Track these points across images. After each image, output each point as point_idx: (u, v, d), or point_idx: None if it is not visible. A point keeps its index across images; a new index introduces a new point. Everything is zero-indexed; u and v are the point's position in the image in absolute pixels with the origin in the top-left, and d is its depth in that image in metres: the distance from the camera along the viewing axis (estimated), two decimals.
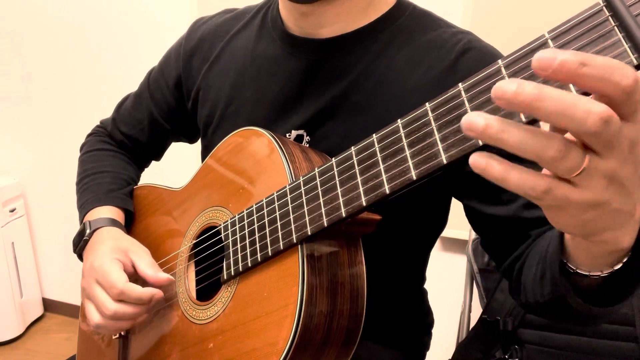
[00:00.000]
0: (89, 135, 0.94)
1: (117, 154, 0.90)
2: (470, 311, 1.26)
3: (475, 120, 0.31)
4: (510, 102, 0.29)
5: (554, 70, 0.28)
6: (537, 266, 0.53)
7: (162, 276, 0.66)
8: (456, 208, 0.71)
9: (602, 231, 0.37)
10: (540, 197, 0.32)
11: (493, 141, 0.31)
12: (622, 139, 0.30)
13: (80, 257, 0.75)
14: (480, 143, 0.36)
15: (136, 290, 0.63)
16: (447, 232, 0.81)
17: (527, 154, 0.31)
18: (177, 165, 1.29)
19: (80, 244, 0.74)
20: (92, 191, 0.82)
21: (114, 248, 0.69)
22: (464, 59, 0.62)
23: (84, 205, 0.80)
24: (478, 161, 0.32)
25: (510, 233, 0.61)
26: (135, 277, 0.67)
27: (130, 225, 0.83)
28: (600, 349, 1.06)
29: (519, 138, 0.30)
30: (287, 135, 0.69)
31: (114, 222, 0.76)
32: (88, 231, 0.74)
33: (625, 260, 0.42)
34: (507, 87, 0.29)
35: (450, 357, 1.16)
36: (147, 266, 0.67)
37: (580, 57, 0.28)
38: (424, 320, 0.87)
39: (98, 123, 0.96)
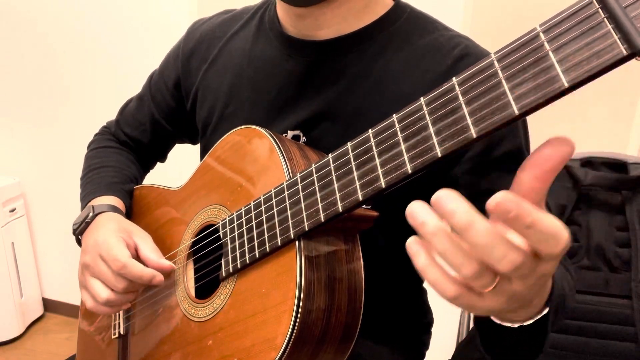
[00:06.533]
0: (96, 134, 0.96)
1: (122, 152, 0.91)
2: None
3: (418, 212, 0.34)
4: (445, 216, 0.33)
5: (508, 218, 0.31)
6: None
7: (165, 263, 0.67)
8: None
9: (498, 314, 0.45)
10: (449, 300, 0.36)
11: (426, 238, 0.34)
12: (535, 273, 0.34)
13: (79, 242, 0.76)
14: (475, 136, 0.36)
15: (138, 267, 0.64)
16: None
17: (448, 263, 0.34)
18: (178, 165, 1.29)
19: (81, 226, 0.74)
20: (95, 183, 0.82)
21: (119, 228, 0.69)
22: (461, 64, 0.62)
23: (86, 196, 0.81)
24: (412, 246, 0.36)
25: None
26: (137, 260, 0.67)
27: None
28: (600, 349, 1.06)
29: (444, 247, 0.34)
30: (284, 135, 0.69)
31: (116, 209, 0.76)
32: (91, 214, 0.74)
33: (537, 317, 0.46)
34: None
35: (450, 357, 1.16)
36: (151, 251, 0.67)
37: (530, 219, 0.30)
38: (423, 318, 0.87)
39: (104, 124, 0.97)
